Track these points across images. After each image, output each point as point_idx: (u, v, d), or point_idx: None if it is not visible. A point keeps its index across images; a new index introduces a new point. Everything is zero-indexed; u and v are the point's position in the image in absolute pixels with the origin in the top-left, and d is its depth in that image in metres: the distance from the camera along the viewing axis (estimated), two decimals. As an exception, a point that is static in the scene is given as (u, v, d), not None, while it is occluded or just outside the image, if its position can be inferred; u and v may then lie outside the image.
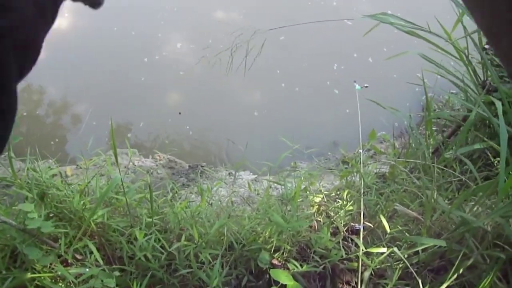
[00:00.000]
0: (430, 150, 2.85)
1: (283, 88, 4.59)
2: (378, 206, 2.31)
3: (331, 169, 3.05)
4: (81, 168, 3.16)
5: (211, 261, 1.97)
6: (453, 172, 2.45)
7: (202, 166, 3.58)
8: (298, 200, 2.25)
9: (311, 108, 4.40)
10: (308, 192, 2.41)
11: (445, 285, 1.86)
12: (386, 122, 3.60)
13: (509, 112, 2.43)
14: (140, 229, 1.92)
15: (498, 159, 2.72)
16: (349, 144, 3.38)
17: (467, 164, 2.35)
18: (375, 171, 2.79)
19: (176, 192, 2.60)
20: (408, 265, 1.94)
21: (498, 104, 2.30)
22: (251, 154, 2.62)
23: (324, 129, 4.11)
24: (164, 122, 4.12)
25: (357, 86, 2.69)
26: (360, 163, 2.35)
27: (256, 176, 3.33)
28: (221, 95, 4.45)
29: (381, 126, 3.59)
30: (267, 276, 2.03)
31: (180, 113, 4.18)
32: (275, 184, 2.55)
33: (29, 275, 1.72)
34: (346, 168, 2.69)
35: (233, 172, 3.11)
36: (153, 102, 4.30)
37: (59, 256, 1.84)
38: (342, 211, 2.27)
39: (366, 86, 2.80)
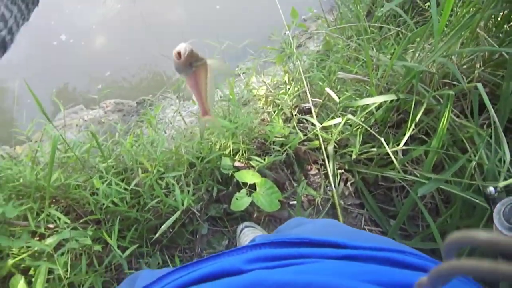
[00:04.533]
0: (363, 14, 2.79)
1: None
2: (325, 81, 2.27)
3: (271, 61, 2.97)
4: (36, 141, 3.03)
5: (175, 184, 1.93)
6: (389, 27, 2.42)
7: (148, 99, 3.47)
8: (243, 98, 2.20)
9: (234, 10, 4.25)
10: (250, 86, 2.35)
11: (406, 135, 1.87)
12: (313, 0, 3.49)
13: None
14: (100, 177, 1.85)
15: (428, 4, 2.69)
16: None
17: (400, 13, 2.30)
18: (315, 49, 2.74)
19: (128, 131, 2.51)
20: (367, 127, 1.94)
21: None
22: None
23: (253, 27, 3.98)
24: (100, 69, 3.91)
25: None
26: (290, 43, 2.28)
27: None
28: (139, 23, 4.24)
29: (310, 5, 3.47)
30: (235, 180, 2.01)
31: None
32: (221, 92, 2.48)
33: (10, 261, 1.67)
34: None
35: (181, 95, 3.02)
36: (84, 55, 4.06)
37: (35, 232, 1.78)
38: (287, 96, 2.22)
39: None
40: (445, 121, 1.77)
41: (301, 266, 0.66)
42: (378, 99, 1.91)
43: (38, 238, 1.81)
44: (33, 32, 4.08)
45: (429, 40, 2.18)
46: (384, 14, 2.69)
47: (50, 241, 1.69)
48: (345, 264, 0.67)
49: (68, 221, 1.75)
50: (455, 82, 1.99)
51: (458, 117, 2.00)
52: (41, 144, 2.01)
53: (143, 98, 3.52)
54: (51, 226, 1.80)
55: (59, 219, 1.75)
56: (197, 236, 2.07)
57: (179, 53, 0.82)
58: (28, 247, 1.74)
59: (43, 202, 1.83)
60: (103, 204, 1.80)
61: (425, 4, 2.70)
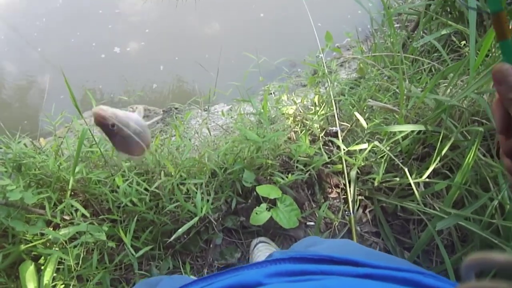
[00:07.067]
0: (398, 45, 2.80)
1: (238, 16, 4.47)
2: (354, 107, 2.28)
3: (303, 85, 3.00)
4: (60, 136, 3.07)
5: (197, 191, 1.94)
6: (423, 60, 2.42)
7: (176, 108, 3.50)
8: (272, 115, 2.21)
9: (271, 30, 4.30)
10: (280, 104, 2.37)
11: (430, 168, 1.86)
12: (349, 29, 3.53)
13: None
14: (122, 176, 1.87)
15: (464, 42, 2.70)
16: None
17: (436, 46, 2.31)
18: (346, 76, 2.76)
19: (152, 136, 2.53)
20: (392, 156, 1.93)
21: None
22: (223, 86, 2.54)
23: (289, 48, 4.01)
24: (132, 74, 3.99)
25: None
26: (323, 65, 2.30)
27: (231, 106, 3.29)
28: (180, 33, 4.31)
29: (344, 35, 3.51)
30: (255, 193, 2.01)
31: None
32: (251, 107, 2.50)
33: (22, 247, 1.69)
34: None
35: (207, 107, 3.05)
36: (117, 58, 4.15)
37: (49, 222, 1.80)
38: (316, 116, 2.23)
39: None
40: (471, 158, 1.75)
41: (320, 282, 0.66)
42: (407, 127, 1.91)
43: (51, 228, 1.82)
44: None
45: (462, 77, 2.18)
46: (418, 48, 2.70)
47: (65, 231, 1.71)
48: (364, 282, 0.67)
49: (88, 214, 1.77)
50: (484, 121, 1.99)
51: (483, 155, 1.99)
52: (67, 136, 2.04)
53: (170, 106, 3.56)
54: (66, 217, 1.82)
55: (76, 211, 1.77)
56: (211, 246, 2.07)
57: (101, 116, 0.86)
58: (42, 235, 1.76)
59: (62, 194, 1.86)
60: (122, 202, 1.81)
61: (461, 42, 2.71)
